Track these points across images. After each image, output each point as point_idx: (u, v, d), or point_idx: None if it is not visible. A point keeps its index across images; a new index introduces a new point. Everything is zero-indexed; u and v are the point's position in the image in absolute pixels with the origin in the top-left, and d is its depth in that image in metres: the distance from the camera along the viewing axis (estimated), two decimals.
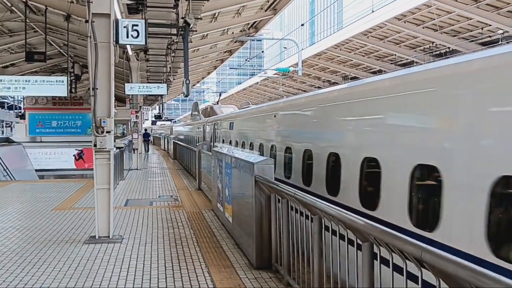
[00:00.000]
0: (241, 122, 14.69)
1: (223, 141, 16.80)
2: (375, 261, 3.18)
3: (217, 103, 34.15)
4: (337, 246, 3.78)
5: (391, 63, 31.17)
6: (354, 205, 5.50)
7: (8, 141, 21.39)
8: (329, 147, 6.77)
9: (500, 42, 21.40)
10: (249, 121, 13.64)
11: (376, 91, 5.74)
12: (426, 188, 4.55)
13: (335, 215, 3.66)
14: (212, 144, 15.87)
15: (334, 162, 6.44)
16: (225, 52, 26.44)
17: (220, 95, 42.58)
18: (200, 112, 32.26)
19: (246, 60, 37.63)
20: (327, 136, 7.10)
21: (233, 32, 21.31)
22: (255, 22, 20.01)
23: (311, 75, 40.64)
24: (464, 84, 4.13)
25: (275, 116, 10.14)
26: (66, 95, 13.92)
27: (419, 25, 25.14)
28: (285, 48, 57.21)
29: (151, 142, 42.43)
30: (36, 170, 19.57)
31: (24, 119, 21.59)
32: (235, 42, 23.02)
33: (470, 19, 22.58)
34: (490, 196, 3.54)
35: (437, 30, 24.93)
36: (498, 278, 1.87)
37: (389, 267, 2.92)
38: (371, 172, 5.28)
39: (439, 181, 4.11)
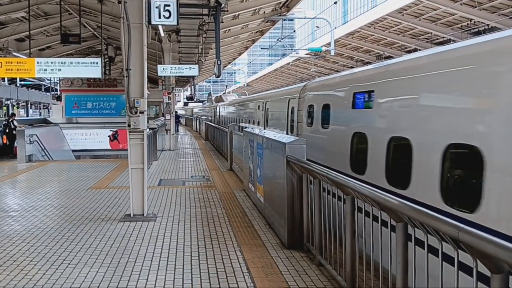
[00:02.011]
0: (230, 107, 27.12)
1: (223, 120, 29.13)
2: (409, 242, 3.13)
3: (224, 93, 50.48)
4: (370, 227, 3.74)
5: (427, 41, 30.29)
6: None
7: (45, 122, 21.95)
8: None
9: None
10: (235, 107, 25.11)
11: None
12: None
13: (368, 195, 3.61)
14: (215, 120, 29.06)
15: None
16: (256, 32, 26.23)
17: (226, 87, 65.06)
18: (213, 99, 45.96)
19: (277, 40, 37.24)
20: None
21: (264, 12, 21.08)
22: (287, 1, 19.71)
23: (343, 54, 39.96)
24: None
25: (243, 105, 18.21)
26: (100, 76, 14.12)
27: (457, 1, 24.25)
28: (317, 27, 56.37)
29: (181, 123, 47.20)
30: (73, 151, 20.07)
31: (60, 100, 22.05)
32: (267, 22, 22.78)
33: None
34: None
35: (475, 7, 24.00)
36: None
37: (423, 249, 2.87)
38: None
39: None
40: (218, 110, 34.38)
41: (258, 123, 16.19)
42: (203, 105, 56.26)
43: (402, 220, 3.15)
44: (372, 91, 6.76)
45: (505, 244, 2.04)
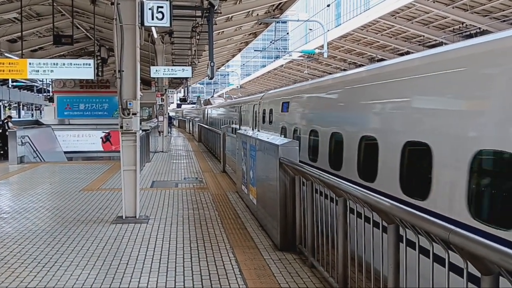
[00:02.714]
0: (215, 109, 32.67)
1: (210, 121, 33.72)
2: (400, 243, 3.15)
3: (212, 96, 59.18)
4: (362, 228, 3.75)
5: (419, 45, 30.46)
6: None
7: (37, 123, 21.83)
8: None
9: None
10: (219, 109, 30.99)
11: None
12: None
13: (360, 197, 3.63)
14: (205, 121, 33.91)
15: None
16: (249, 34, 26.25)
17: (214, 91, 75.35)
18: (202, 102, 51.12)
19: (271, 42, 37.28)
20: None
21: (257, 14, 21.10)
22: (280, 3, 19.74)
23: (336, 57, 40.06)
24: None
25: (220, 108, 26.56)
26: (93, 77, 14.05)
27: (449, 5, 24.40)
28: (311, 29, 56.44)
29: (174, 125, 48.61)
30: (65, 152, 19.96)
31: (53, 102, 21.93)
32: (260, 24, 22.81)
33: None
34: None
35: (467, 10, 24.17)
36: None
37: (414, 250, 2.89)
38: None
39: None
40: (206, 112, 40.44)
41: (236, 123, 21.36)
42: (193, 107, 61.46)
43: (393, 222, 3.17)
44: (288, 102, 11.28)
45: (495, 246, 2.06)
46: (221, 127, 17.63)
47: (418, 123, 5.06)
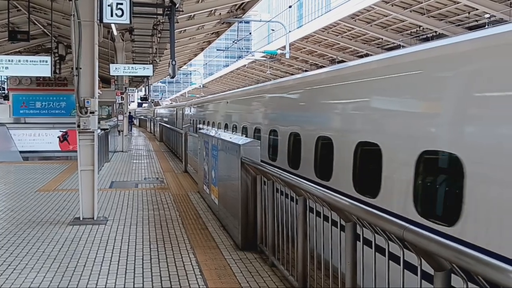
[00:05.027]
0: (161, 110, 42.76)
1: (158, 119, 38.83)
2: (358, 241, 3.20)
3: (161, 99, 67.98)
4: (321, 227, 3.80)
5: (378, 47, 31.14)
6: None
7: None
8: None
9: (486, 27, 21.45)
10: (163, 110, 41.08)
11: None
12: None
13: (319, 196, 3.68)
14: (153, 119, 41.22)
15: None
16: (212, 33, 26.12)
17: (162, 95, 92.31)
18: (153, 103, 56.63)
19: (233, 42, 37.27)
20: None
21: (220, 13, 21.02)
22: (242, 3, 19.73)
23: (298, 58, 40.45)
24: None
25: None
26: (50, 75, 13.71)
27: (406, 8, 25.07)
28: (273, 30, 56.70)
29: (134, 124, 49.50)
30: (20, 152, 19.28)
31: (8, 100, 21.16)
32: (222, 23, 22.74)
33: (457, 3, 22.57)
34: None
35: (424, 14, 24.90)
36: (480, 257, 1.88)
37: (371, 248, 2.95)
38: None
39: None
40: (155, 112, 48.31)
41: (174, 123, 26.70)
42: (146, 107, 65.25)
43: (351, 220, 3.22)
44: (198, 107, 17.62)
45: (447, 242, 2.13)
46: (183, 126, 17.57)
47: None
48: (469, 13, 23.42)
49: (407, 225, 2.43)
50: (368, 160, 5.14)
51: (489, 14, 21.95)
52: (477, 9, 22.41)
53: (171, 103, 58.48)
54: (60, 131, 18.60)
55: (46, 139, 19.26)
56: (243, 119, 11.40)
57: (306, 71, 37.86)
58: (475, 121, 3.67)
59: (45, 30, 21.16)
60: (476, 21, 23.69)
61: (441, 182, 4.21)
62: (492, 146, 3.41)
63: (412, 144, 4.25)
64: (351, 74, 6.07)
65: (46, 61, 12.86)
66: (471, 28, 23.66)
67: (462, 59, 3.95)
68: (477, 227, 3.44)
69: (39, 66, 12.69)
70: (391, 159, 4.58)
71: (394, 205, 4.41)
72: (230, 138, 6.84)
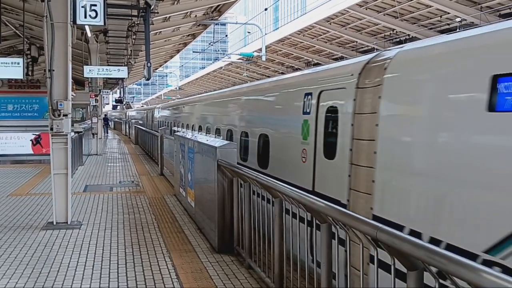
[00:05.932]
0: (133, 112, 45.11)
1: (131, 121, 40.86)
2: (333, 240, 3.24)
3: (132, 102, 71.05)
4: (297, 228, 3.82)
5: (352, 50, 31.49)
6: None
7: None
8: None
9: (457, 30, 21.93)
10: (135, 113, 43.48)
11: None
12: None
13: (295, 197, 3.70)
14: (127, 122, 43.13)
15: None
16: (188, 35, 26.01)
17: (134, 98, 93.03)
18: (125, 107, 57.44)
19: (209, 44, 37.22)
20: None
21: (196, 15, 20.95)
22: (218, 5, 19.70)
23: (274, 60, 40.61)
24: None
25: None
26: (22, 77, 13.44)
27: (380, 12, 25.44)
28: (249, 32, 56.90)
29: (110, 126, 49.46)
30: None
31: None
32: (198, 25, 22.67)
33: (430, 6, 23.01)
34: None
35: (397, 17, 25.31)
36: (453, 257, 1.93)
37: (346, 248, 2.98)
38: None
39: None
40: (127, 114, 50.73)
41: (145, 125, 29.31)
42: (117, 109, 66.16)
43: (326, 221, 3.25)
44: (166, 109, 22.96)
45: (420, 242, 2.17)
46: (159, 129, 17.44)
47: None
48: (441, 16, 23.90)
49: (380, 225, 2.47)
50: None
51: (460, 18, 22.45)
52: (448, 13, 22.89)
53: (142, 106, 61.73)
54: (33, 134, 18.24)
55: (19, 142, 18.87)
56: (201, 121, 14.10)
57: (282, 73, 38.05)
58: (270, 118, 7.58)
59: (17, 31, 20.73)
60: (448, 24, 24.20)
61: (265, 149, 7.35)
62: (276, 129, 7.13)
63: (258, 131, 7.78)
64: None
65: (18, 63, 12.63)
66: (443, 32, 24.18)
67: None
68: (275, 168, 6.90)
69: (11, 68, 12.46)
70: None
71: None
72: (207, 140, 6.82)
